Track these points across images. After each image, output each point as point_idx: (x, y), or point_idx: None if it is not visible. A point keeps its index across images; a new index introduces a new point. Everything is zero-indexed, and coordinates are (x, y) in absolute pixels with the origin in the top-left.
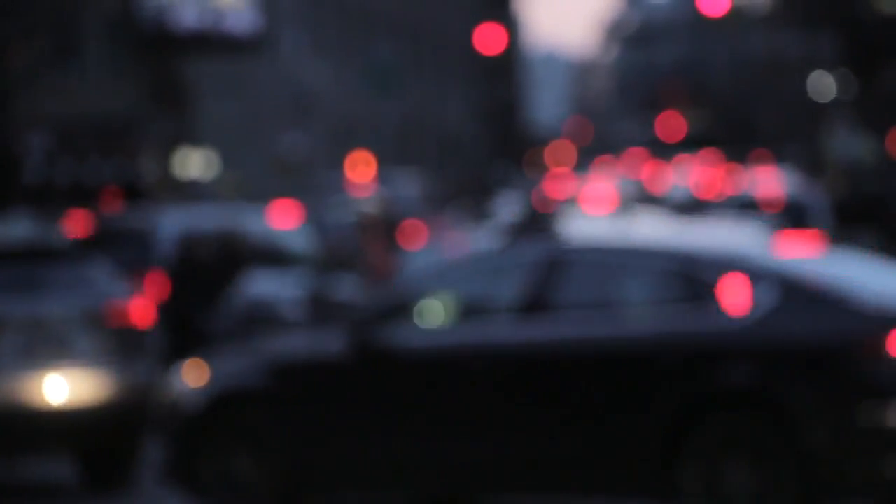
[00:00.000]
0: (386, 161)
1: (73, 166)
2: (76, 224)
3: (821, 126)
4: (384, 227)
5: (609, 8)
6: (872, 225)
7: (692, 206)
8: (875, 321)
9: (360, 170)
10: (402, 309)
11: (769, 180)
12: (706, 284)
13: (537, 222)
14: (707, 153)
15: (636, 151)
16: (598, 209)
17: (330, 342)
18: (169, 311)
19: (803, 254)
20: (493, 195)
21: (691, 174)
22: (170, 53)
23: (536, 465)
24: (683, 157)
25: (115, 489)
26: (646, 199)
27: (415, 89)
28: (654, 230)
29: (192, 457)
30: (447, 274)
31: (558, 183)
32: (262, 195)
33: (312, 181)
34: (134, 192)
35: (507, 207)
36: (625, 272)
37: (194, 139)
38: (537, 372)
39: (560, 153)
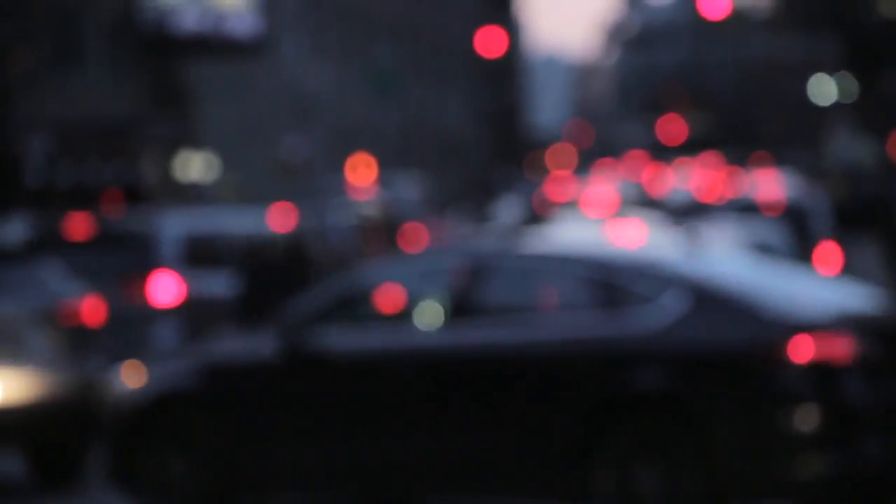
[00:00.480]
0: (386, 164)
1: (74, 169)
2: (77, 226)
3: (821, 129)
4: (385, 230)
5: (610, 11)
6: (873, 228)
7: (693, 209)
8: (779, 327)
9: (361, 173)
10: (330, 312)
11: (770, 183)
12: (621, 290)
13: (537, 225)
14: (708, 156)
15: (637, 154)
16: (599, 212)
17: (261, 345)
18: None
19: (717, 259)
20: (493, 198)
21: (692, 177)
22: (170, 56)
23: (459, 468)
24: (684, 160)
25: (66, 487)
26: (646, 202)
27: (415, 92)
28: (575, 236)
29: (130, 457)
30: (373, 278)
31: (559, 186)
32: (262, 198)
33: (313, 184)
34: (135, 195)
35: (508, 210)
36: (543, 278)
37: (195, 142)
38: (459, 376)
39: (561, 156)
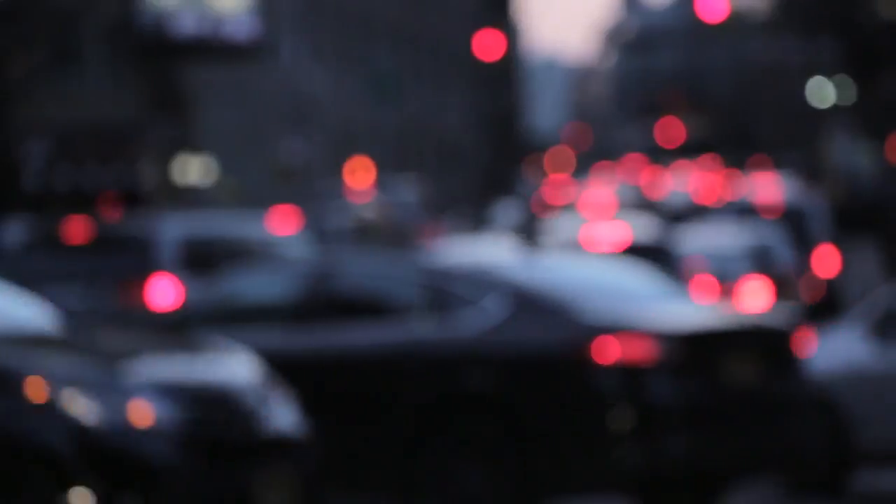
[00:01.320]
0: (385, 167)
1: (73, 172)
2: (75, 230)
3: (820, 132)
4: (383, 233)
5: (608, 14)
6: (871, 230)
7: (691, 212)
8: (587, 330)
9: (360, 176)
10: (193, 318)
11: (768, 186)
12: (449, 295)
13: (536, 228)
14: (706, 159)
15: (635, 157)
16: (598, 215)
17: None
18: None
19: (541, 264)
20: (492, 201)
21: (690, 180)
22: (169, 60)
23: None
24: (682, 163)
25: None
26: (645, 204)
27: (414, 96)
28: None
29: None
30: (230, 284)
31: (557, 189)
32: (261, 201)
33: (312, 187)
34: (133, 199)
35: (506, 213)
36: (379, 284)
37: (194, 145)
38: (302, 377)
39: (559, 159)
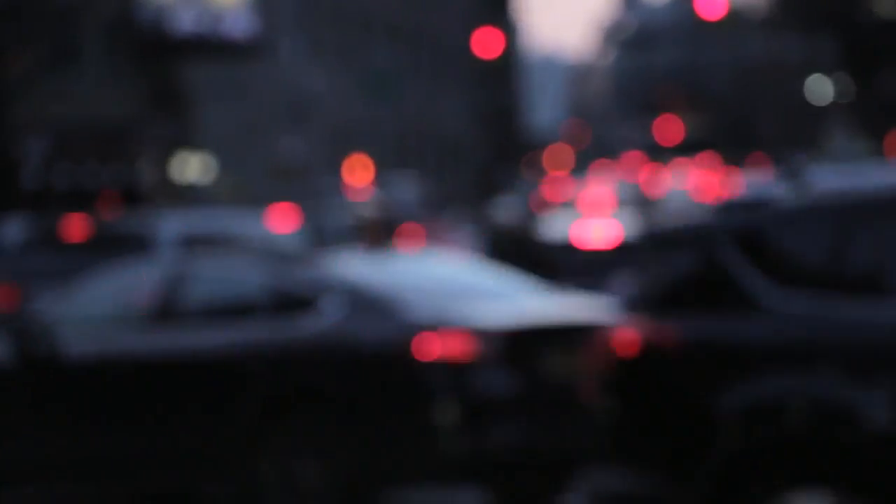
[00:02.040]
0: (384, 165)
1: (72, 170)
2: (74, 228)
3: (819, 129)
4: (382, 231)
5: (607, 11)
6: None
7: (689, 210)
8: (412, 327)
9: (358, 173)
10: (58, 318)
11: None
12: (292, 296)
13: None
14: (705, 156)
15: (634, 155)
16: (596, 212)
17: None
18: None
19: (382, 266)
20: (491, 198)
21: (689, 178)
22: (168, 58)
23: (150, 460)
24: (681, 161)
25: None
26: (643, 202)
27: (413, 93)
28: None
29: None
30: (93, 285)
31: (556, 186)
32: (260, 199)
33: (310, 185)
34: (132, 197)
35: (505, 211)
36: (228, 285)
37: (192, 143)
38: (153, 376)
39: (558, 156)
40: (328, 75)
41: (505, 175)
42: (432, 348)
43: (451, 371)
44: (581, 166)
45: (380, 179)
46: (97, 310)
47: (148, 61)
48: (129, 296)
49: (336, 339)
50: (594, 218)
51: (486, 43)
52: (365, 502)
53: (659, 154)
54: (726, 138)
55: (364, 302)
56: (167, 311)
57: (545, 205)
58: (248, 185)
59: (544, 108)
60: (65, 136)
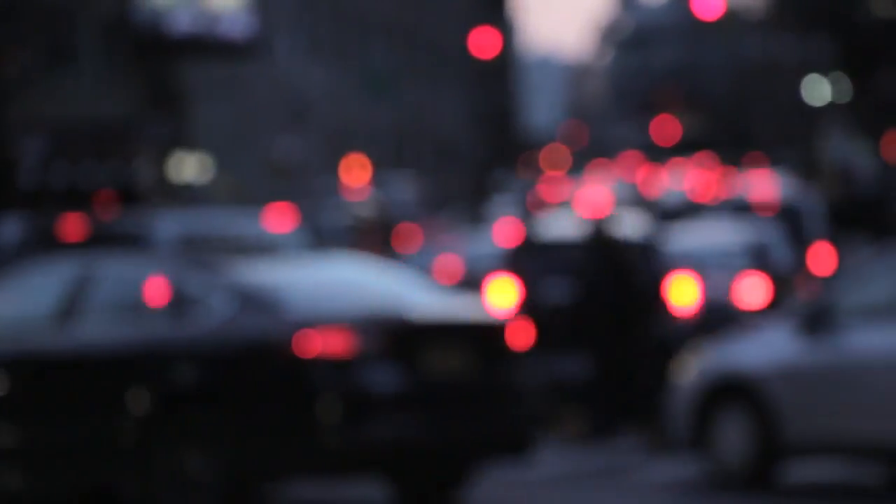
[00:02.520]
0: (381, 164)
1: (69, 170)
2: (71, 227)
3: (816, 130)
4: (379, 231)
5: (604, 11)
6: (867, 228)
7: (687, 210)
8: (293, 325)
9: (356, 173)
10: None
11: (764, 184)
12: (186, 295)
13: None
14: (702, 157)
15: (631, 155)
16: (593, 212)
17: None
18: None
19: (275, 265)
20: (488, 198)
21: (686, 178)
22: (165, 57)
23: (50, 453)
24: (678, 161)
25: None
26: (641, 202)
27: (410, 93)
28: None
29: None
30: (4, 285)
31: (553, 186)
32: (257, 199)
33: (308, 185)
34: (129, 196)
35: (502, 211)
36: (128, 285)
37: (189, 143)
38: (59, 371)
39: (555, 156)
40: (325, 75)
41: (502, 175)
42: (313, 345)
43: (332, 366)
44: (578, 166)
45: (377, 179)
46: (6, 310)
47: (145, 61)
48: (37, 296)
49: (224, 336)
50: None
51: (483, 43)
52: (251, 493)
53: (656, 154)
54: (723, 138)
55: (251, 300)
56: (71, 310)
57: (542, 205)
58: (246, 185)
59: (541, 108)
60: (62, 135)
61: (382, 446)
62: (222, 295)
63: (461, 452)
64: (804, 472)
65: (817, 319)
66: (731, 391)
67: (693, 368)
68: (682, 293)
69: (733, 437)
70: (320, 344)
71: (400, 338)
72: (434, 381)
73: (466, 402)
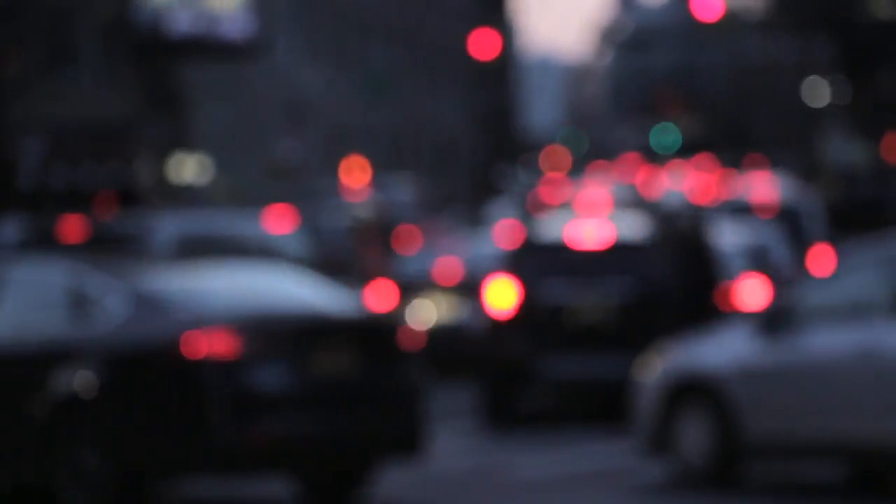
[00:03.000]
0: (380, 166)
1: (68, 171)
2: (71, 228)
3: (815, 131)
4: (379, 232)
5: (603, 13)
6: (867, 230)
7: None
8: (180, 327)
9: (355, 175)
10: None
11: (764, 185)
12: (86, 297)
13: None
14: (701, 158)
15: (631, 156)
16: (593, 214)
17: None
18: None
19: (173, 269)
20: (487, 200)
21: (686, 179)
22: (164, 58)
23: None
24: (678, 162)
25: None
26: (640, 203)
27: (409, 94)
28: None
29: None
30: None
31: (553, 188)
32: (256, 200)
33: (307, 186)
34: (129, 197)
35: (502, 212)
36: (30, 286)
37: (189, 144)
38: None
39: (555, 158)
40: (325, 76)
41: (502, 176)
42: (200, 346)
43: (218, 367)
44: (578, 168)
45: (376, 181)
46: None
47: (145, 62)
48: None
49: (120, 338)
50: (590, 219)
51: (482, 44)
52: (147, 491)
53: (656, 155)
54: (723, 140)
55: (145, 304)
56: None
57: (542, 206)
58: (245, 186)
59: (541, 110)
60: (61, 136)
61: (268, 445)
62: (120, 298)
63: (350, 451)
64: (768, 471)
65: (776, 320)
66: (694, 391)
67: (657, 368)
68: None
69: (696, 436)
70: (207, 345)
71: (287, 338)
72: (322, 380)
73: (355, 401)
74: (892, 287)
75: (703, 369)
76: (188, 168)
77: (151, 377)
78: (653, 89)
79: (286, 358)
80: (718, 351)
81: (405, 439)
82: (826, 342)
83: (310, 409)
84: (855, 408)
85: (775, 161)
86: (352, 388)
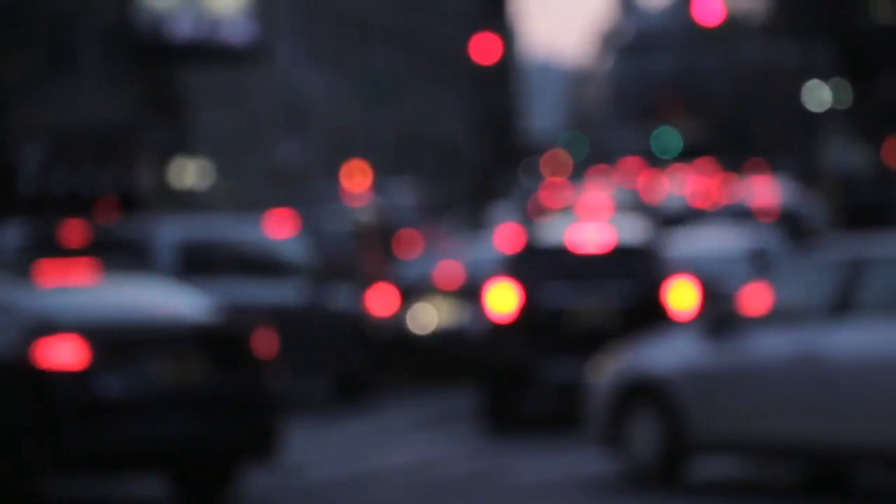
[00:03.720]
0: (382, 170)
1: (69, 176)
2: (72, 233)
3: (816, 135)
4: (380, 237)
5: (604, 17)
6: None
7: (688, 216)
8: (28, 336)
9: (356, 179)
10: None
11: (764, 190)
12: None
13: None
14: (702, 162)
15: (632, 160)
16: (593, 218)
17: None
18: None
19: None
20: (489, 204)
21: (687, 183)
22: (165, 63)
23: None
24: (679, 167)
25: None
26: (641, 208)
27: (410, 99)
28: None
29: None
30: None
31: (554, 192)
32: (257, 204)
33: (308, 191)
34: (130, 202)
35: (503, 216)
36: None
37: (190, 149)
38: None
39: (556, 162)
40: (326, 81)
41: (503, 181)
42: (47, 354)
43: (63, 375)
44: (579, 172)
45: (378, 185)
46: None
47: (145, 67)
48: None
49: None
50: (591, 223)
51: (483, 48)
52: (11, 494)
53: (657, 160)
54: (724, 144)
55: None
56: None
57: (543, 210)
58: (246, 191)
59: (542, 114)
60: (62, 141)
61: (114, 449)
62: None
63: (198, 455)
64: (713, 468)
65: (721, 324)
66: (642, 392)
67: (609, 369)
68: (682, 298)
69: (644, 436)
70: (53, 354)
71: (135, 346)
72: (169, 386)
73: (203, 406)
74: (829, 292)
75: (652, 371)
76: (189, 173)
77: (4, 385)
78: (654, 93)
79: (133, 365)
80: (666, 354)
81: (257, 444)
82: (767, 345)
83: (155, 414)
84: (793, 408)
85: (776, 165)
86: (200, 394)
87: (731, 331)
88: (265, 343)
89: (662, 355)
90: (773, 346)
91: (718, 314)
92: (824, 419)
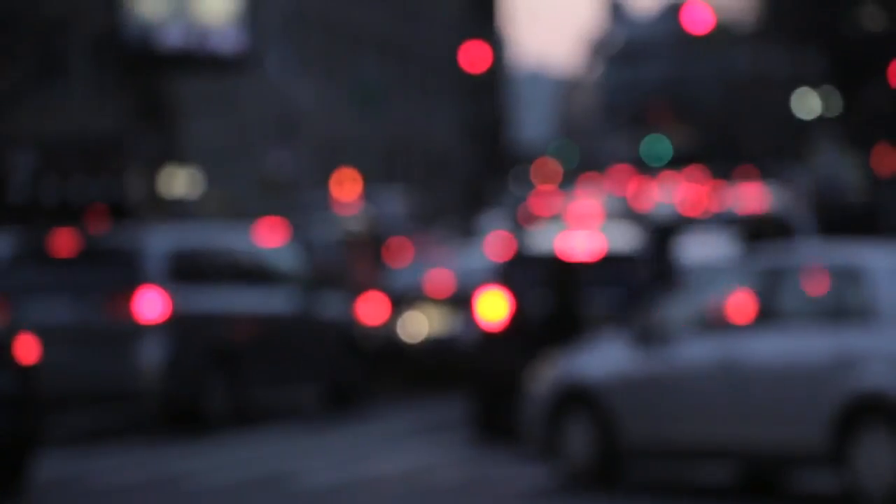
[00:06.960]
0: (372, 179)
1: (59, 185)
2: (62, 242)
3: (806, 143)
4: (370, 245)
5: (594, 26)
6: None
7: (677, 224)
8: None
9: (346, 188)
10: None
11: (754, 197)
12: None
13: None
14: (692, 170)
15: (622, 168)
16: (583, 225)
17: None
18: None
19: None
20: (479, 212)
21: (677, 191)
22: (155, 72)
23: None
24: (669, 174)
25: None
26: (631, 215)
27: (400, 107)
28: None
29: None
30: None
31: (544, 200)
32: (248, 213)
33: (298, 199)
34: (119, 211)
35: (493, 224)
36: None
37: (180, 157)
38: None
39: (546, 170)
40: (316, 89)
41: (493, 189)
42: None
43: None
44: (569, 180)
45: (368, 193)
46: None
47: (135, 75)
48: None
49: None
50: (581, 231)
51: (473, 57)
52: None
53: (647, 167)
54: (714, 152)
55: None
56: None
57: (533, 218)
58: (237, 200)
59: (532, 122)
60: (52, 150)
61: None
62: None
63: (22, 447)
64: (646, 473)
65: (649, 332)
66: (577, 399)
67: (545, 377)
68: None
69: (579, 442)
70: None
71: None
72: None
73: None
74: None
75: (585, 379)
76: (179, 181)
77: None
78: (643, 101)
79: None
80: (598, 362)
81: (8, 447)
82: (693, 352)
83: None
84: (717, 413)
85: (766, 173)
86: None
87: (660, 338)
88: (27, 348)
89: (594, 364)
90: (698, 353)
91: (646, 322)
92: (745, 424)
